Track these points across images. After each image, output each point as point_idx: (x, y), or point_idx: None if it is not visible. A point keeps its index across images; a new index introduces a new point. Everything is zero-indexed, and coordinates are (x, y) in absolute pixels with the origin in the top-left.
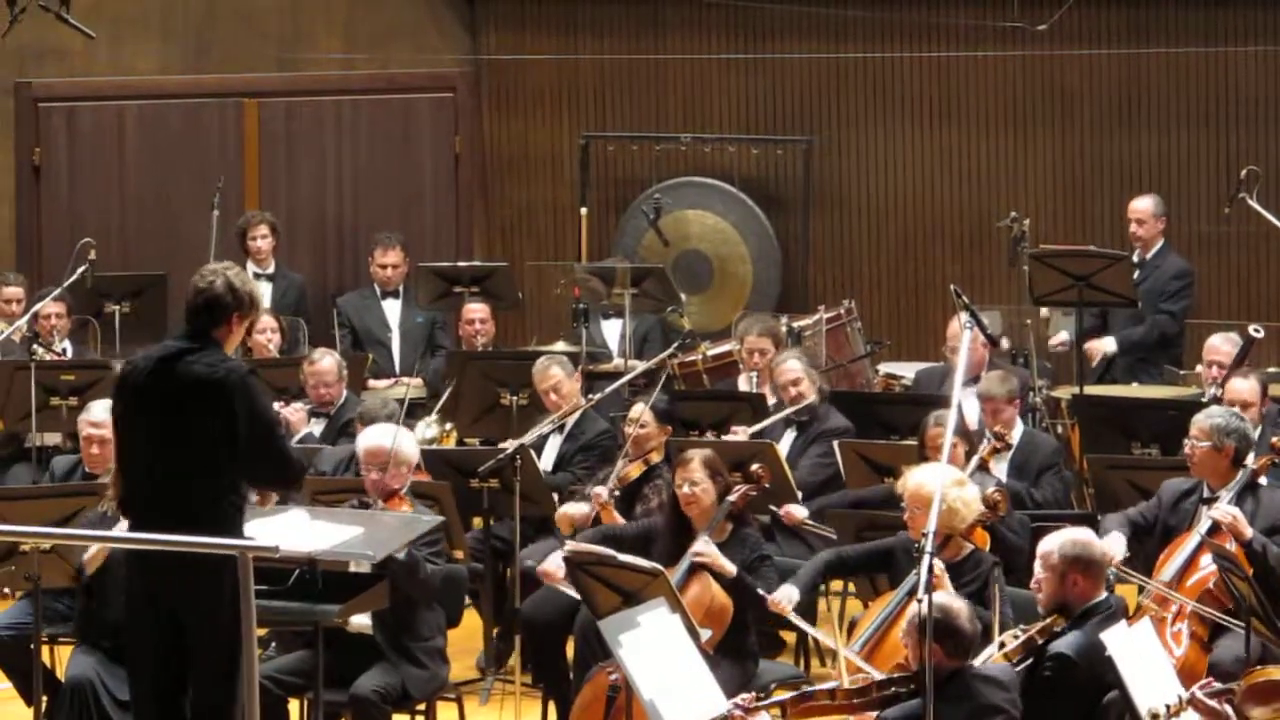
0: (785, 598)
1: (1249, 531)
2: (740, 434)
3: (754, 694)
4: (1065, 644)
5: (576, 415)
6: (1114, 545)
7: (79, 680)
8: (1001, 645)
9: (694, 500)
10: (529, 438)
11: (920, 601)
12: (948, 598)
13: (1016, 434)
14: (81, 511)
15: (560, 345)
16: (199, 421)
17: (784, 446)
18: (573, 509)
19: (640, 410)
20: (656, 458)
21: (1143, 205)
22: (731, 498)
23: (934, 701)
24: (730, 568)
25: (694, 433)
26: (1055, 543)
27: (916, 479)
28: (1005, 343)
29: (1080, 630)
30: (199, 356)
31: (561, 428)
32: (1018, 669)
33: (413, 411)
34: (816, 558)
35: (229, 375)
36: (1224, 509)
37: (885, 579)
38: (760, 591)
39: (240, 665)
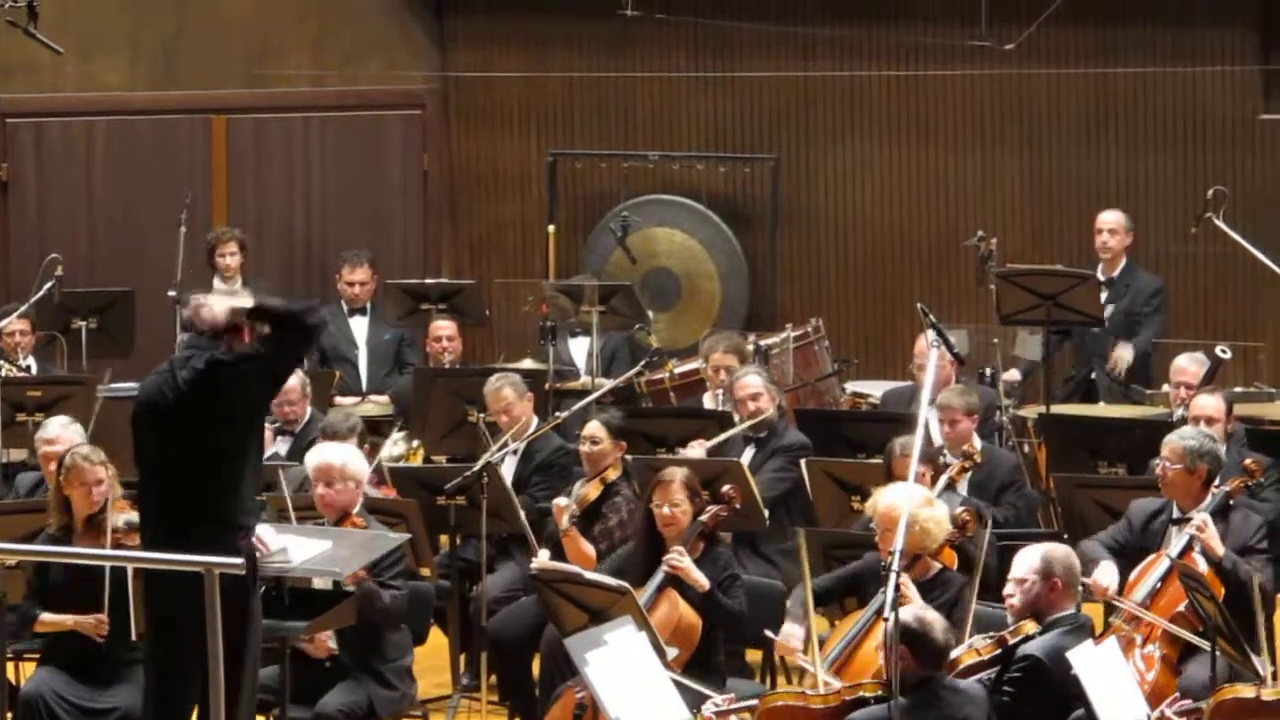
0: (791, 636)
1: (1221, 548)
2: (696, 448)
3: (730, 696)
4: (1035, 646)
5: (529, 435)
6: (1108, 575)
7: (32, 696)
8: (973, 645)
9: (673, 521)
10: (488, 458)
11: (886, 621)
12: (921, 609)
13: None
14: (45, 528)
15: (528, 363)
16: (210, 425)
17: (742, 462)
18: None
19: (593, 428)
20: (613, 474)
21: (1114, 217)
22: (703, 517)
23: (902, 708)
24: (702, 580)
25: (661, 450)
26: (1040, 549)
27: (887, 500)
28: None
29: (1049, 636)
30: (195, 360)
31: (516, 449)
32: (987, 672)
33: (379, 429)
34: (797, 593)
35: (209, 351)
36: (1200, 518)
37: (854, 600)
38: (735, 608)
39: (241, 676)
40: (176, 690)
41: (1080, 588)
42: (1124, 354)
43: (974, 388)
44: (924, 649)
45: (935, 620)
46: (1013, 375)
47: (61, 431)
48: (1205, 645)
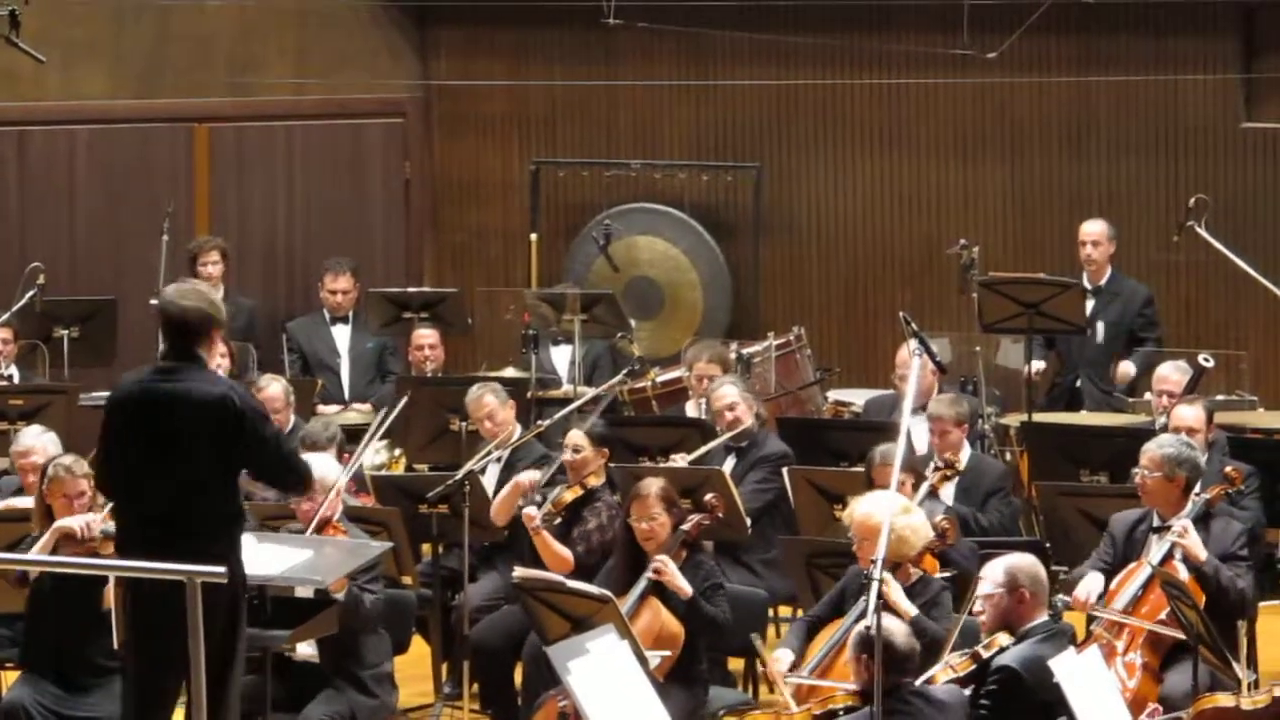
0: (780, 660)
1: (1203, 553)
2: (679, 462)
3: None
4: (1009, 657)
5: (512, 444)
6: (1091, 585)
7: (12, 705)
8: (948, 663)
9: (652, 535)
10: (470, 466)
11: (868, 629)
12: (884, 618)
13: (964, 458)
14: (27, 537)
15: (510, 371)
16: (202, 442)
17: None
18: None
19: (575, 436)
20: (595, 481)
21: (1097, 228)
22: (685, 526)
23: (870, 717)
24: (686, 587)
25: (643, 458)
26: (1005, 562)
27: (863, 509)
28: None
29: (1023, 646)
30: (194, 377)
31: (499, 457)
32: (964, 688)
33: (360, 437)
34: (795, 625)
35: (229, 393)
36: (1181, 523)
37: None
38: (719, 616)
39: (228, 687)
40: (156, 700)
41: (1060, 602)
42: (1127, 369)
43: (960, 396)
44: (886, 656)
45: (895, 627)
46: (1038, 366)
47: (35, 441)
48: (1190, 639)
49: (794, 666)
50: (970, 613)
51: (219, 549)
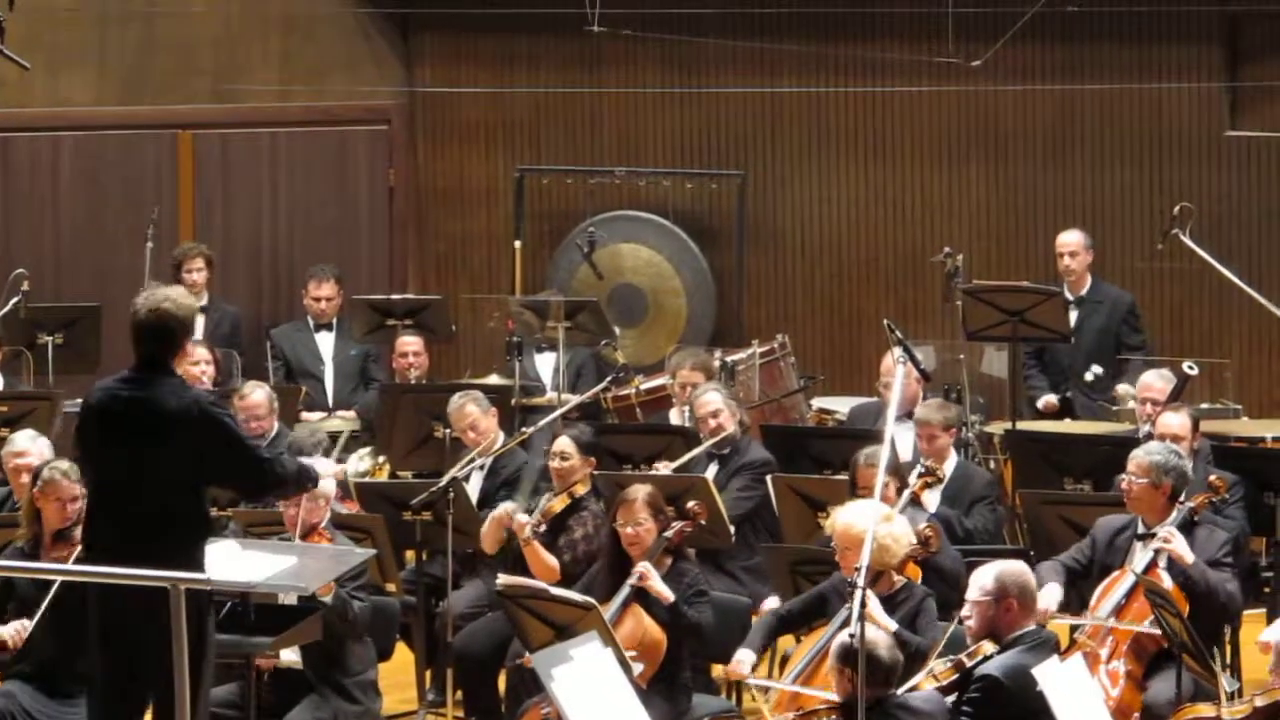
0: (742, 661)
1: (1190, 555)
2: (662, 469)
3: None
4: (993, 666)
5: (495, 451)
6: (1049, 597)
7: None
8: (931, 671)
9: (637, 540)
10: (454, 473)
11: (853, 637)
12: (866, 629)
13: (950, 465)
14: (13, 542)
15: (494, 378)
16: (169, 450)
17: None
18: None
19: (563, 444)
20: (582, 490)
21: (1074, 238)
22: (668, 533)
23: None
24: (667, 593)
25: (627, 466)
26: (994, 569)
27: (845, 518)
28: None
29: (1008, 655)
30: (161, 385)
31: (483, 465)
32: (947, 696)
33: (345, 444)
34: (762, 620)
35: (195, 402)
36: (1166, 530)
37: (823, 621)
38: (696, 619)
39: (200, 697)
40: (123, 708)
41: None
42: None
43: (945, 404)
44: (870, 669)
45: (879, 639)
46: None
47: (30, 444)
48: (1174, 647)
49: (755, 667)
50: (959, 620)
51: (190, 555)
